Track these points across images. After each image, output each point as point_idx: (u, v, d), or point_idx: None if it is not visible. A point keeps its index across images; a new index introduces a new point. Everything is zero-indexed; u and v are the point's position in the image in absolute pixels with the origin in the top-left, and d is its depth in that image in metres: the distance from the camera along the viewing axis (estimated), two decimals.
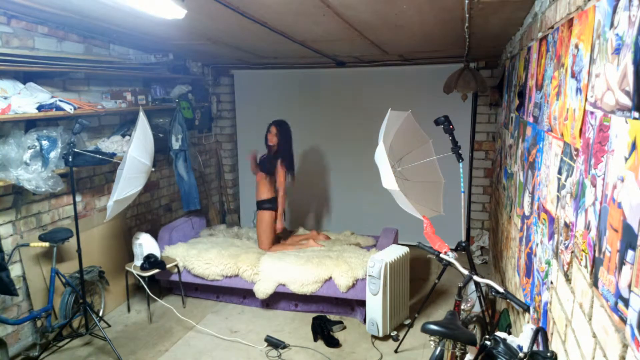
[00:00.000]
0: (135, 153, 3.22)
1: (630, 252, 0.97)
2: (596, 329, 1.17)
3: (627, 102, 1.02)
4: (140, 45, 4.15)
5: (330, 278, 3.71)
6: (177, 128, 4.51)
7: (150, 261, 3.76)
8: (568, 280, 1.48)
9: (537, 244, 2.05)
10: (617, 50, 1.10)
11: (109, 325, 3.42)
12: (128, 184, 3.26)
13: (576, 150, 1.45)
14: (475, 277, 2.41)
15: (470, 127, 5.15)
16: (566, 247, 1.51)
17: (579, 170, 1.40)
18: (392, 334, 3.51)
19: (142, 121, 3.32)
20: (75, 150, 3.07)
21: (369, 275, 3.46)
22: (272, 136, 4.28)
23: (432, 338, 1.99)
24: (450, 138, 3.14)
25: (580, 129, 1.41)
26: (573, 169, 1.48)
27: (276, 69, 5.64)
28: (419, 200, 3.32)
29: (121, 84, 4.02)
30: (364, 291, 3.56)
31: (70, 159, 3.04)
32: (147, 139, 3.40)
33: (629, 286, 0.96)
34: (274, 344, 3.38)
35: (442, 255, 2.63)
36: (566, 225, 1.53)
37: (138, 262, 3.81)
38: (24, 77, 3.10)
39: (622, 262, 1.01)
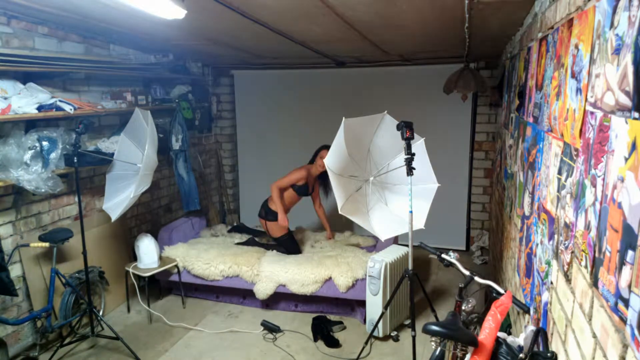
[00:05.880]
0: (150, 151, 3.31)
1: (630, 253, 0.97)
2: (596, 329, 1.17)
3: (627, 102, 1.02)
4: (140, 45, 4.15)
5: (330, 278, 3.71)
6: (177, 128, 4.51)
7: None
8: (568, 280, 1.48)
9: (537, 244, 2.05)
10: (617, 51, 1.09)
11: (102, 329, 3.42)
12: (142, 181, 3.33)
13: (576, 150, 1.45)
14: (477, 278, 2.40)
15: (470, 127, 5.15)
16: (566, 248, 1.51)
17: (579, 171, 1.40)
18: (392, 334, 3.51)
19: (150, 120, 3.39)
20: (80, 150, 3.09)
21: (369, 276, 3.46)
22: (322, 160, 3.99)
23: (433, 339, 1.99)
24: (405, 146, 2.77)
25: (580, 129, 1.41)
26: (573, 169, 1.48)
27: (276, 69, 5.64)
28: (394, 216, 3.10)
29: (121, 84, 4.02)
30: (364, 291, 3.56)
31: (75, 160, 3.07)
32: (155, 137, 3.49)
33: (629, 286, 0.96)
34: (269, 328, 3.56)
35: (443, 256, 2.63)
36: (566, 225, 1.53)
37: (140, 263, 3.81)
38: (24, 78, 3.10)
39: (622, 263, 1.01)
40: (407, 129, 2.79)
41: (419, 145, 3.04)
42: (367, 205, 3.15)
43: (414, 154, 2.77)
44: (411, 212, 2.82)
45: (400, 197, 3.18)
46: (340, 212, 2.92)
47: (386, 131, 3.10)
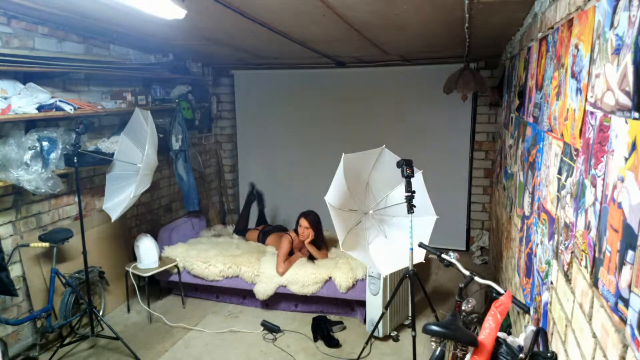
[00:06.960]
0: (150, 151, 3.31)
1: (630, 253, 0.97)
2: (596, 329, 1.17)
3: (627, 102, 1.02)
4: (140, 45, 4.15)
5: (330, 279, 3.71)
6: (177, 128, 4.51)
7: None
8: (568, 280, 1.48)
9: (537, 244, 2.05)
10: (617, 51, 1.09)
11: (102, 329, 3.42)
12: (142, 181, 3.33)
13: (576, 150, 1.45)
14: (477, 278, 2.40)
15: (470, 127, 5.15)
16: (566, 248, 1.51)
17: (579, 171, 1.40)
18: (392, 334, 3.51)
19: (150, 120, 3.39)
20: (80, 151, 3.10)
21: (369, 276, 3.46)
22: (303, 230, 3.87)
23: (433, 339, 1.99)
24: (405, 184, 2.81)
25: (580, 129, 1.41)
26: (573, 169, 1.48)
27: (276, 69, 5.64)
28: (394, 249, 3.10)
29: (121, 84, 4.02)
30: (364, 291, 3.56)
31: (75, 160, 3.07)
32: (155, 137, 3.48)
33: (629, 286, 0.96)
34: (269, 328, 3.57)
35: (443, 256, 2.62)
36: (566, 225, 1.53)
37: (140, 263, 3.81)
38: (24, 78, 3.10)
39: (622, 263, 1.01)
40: (407, 167, 2.82)
41: (417, 179, 3.02)
42: (367, 239, 3.16)
43: (414, 192, 2.80)
44: (411, 249, 2.85)
45: (399, 229, 3.17)
46: (341, 249, 2.94)
47: (384, 165, 3.10)
